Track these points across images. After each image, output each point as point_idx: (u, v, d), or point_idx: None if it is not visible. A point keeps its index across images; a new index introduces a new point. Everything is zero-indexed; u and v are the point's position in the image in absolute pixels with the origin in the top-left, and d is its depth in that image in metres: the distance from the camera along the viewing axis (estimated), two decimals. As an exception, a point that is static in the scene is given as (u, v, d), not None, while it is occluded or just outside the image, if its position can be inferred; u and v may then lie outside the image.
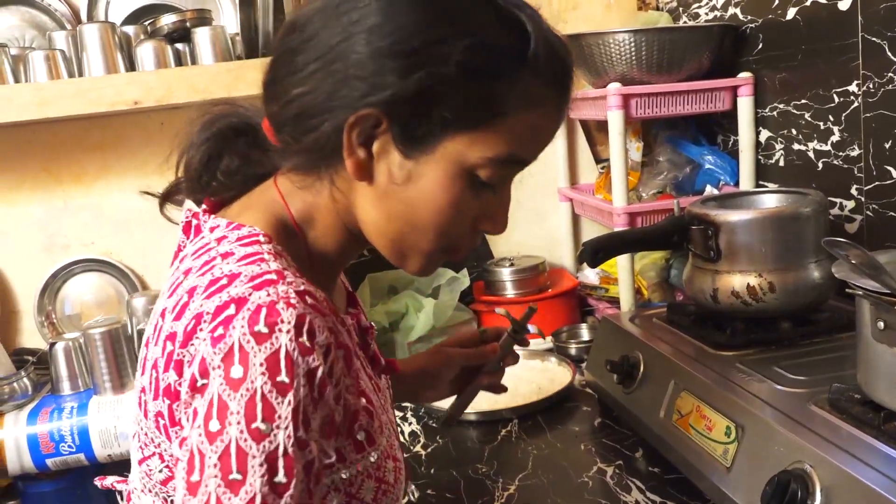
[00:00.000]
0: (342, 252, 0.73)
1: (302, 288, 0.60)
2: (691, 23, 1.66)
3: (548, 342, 1.59)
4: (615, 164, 1.44)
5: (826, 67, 1.27)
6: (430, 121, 0.63)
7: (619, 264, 1.49)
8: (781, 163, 1.43)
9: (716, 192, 1.52)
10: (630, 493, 1.02)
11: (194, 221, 0.72)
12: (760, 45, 1.45)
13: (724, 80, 1.47)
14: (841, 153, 1.27)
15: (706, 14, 1.62)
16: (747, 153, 1.49)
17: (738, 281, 1.10)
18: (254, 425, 0.54)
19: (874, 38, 1.16)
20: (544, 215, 1.85)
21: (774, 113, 1.44)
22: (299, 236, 0.70)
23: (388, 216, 0.67)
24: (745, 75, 1.47)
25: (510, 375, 1.46)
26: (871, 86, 1.18)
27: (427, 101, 0.62)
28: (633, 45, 1.41)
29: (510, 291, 1.67)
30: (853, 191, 1.24)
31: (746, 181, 1.50)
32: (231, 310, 0.57)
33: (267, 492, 0.54)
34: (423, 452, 1.21)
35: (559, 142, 1.78)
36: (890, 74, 1.13)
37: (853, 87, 1.22)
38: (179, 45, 1.57)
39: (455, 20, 0.62)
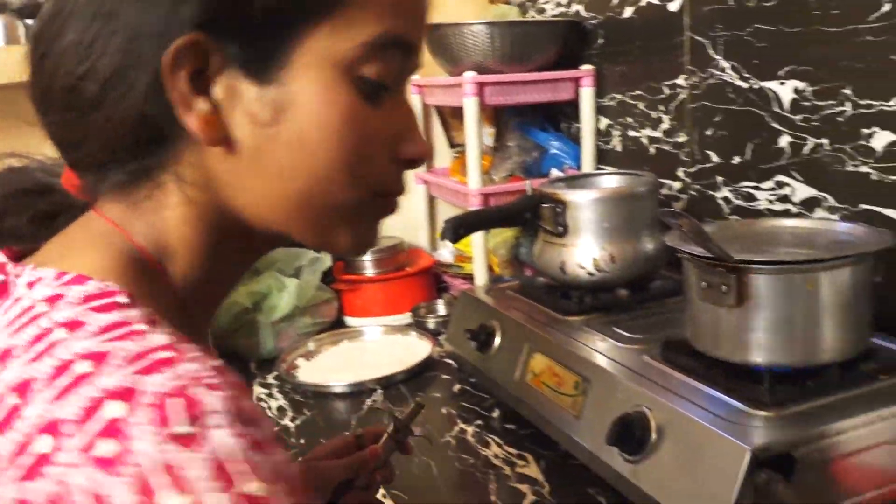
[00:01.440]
0: (224, 278, 0.55)
1: (209, 363, 0.41)
2: (538, 17, 1.77)
3: (407, 317, 1.66)
4: (470, 149, 1.53)
5: (658, 62, 1.41)
6: (268, 22, 0.46)
7: (474, 242, 1.58)
8: (619, 148, 1.57)
9: (561, 174, 1.64)
10: (489, 448, 1.11)
11: None
12: (601, 41, 1.58)
13: (568, 72, 1.59)
14: (670, 139, 1.41)
15: (552, 9, 1.74)
16: (588, 139, 1.62)
17: (583, 253, 1.21)
18: None
19: (699, 38, 1.30)
20: (401, 198, 1.91)
21: (613, 103, 1.57)
22: (160, 275, 0.50)
23: (276, 179, 0.49)
24: (586, 68, 1.59)
25: (371, 351, 1.54)
26: (695, 80, 1.32)
27: None
28: (488, 36, 1.50)
29: (370, 270, 1.72)
30: (679, 172, 1.39)
31: (588, 164, 1.63)
32: (116, 410, 0.37)
33: None
34: (291, 425, 1.25)
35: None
36: (711, 70, 1.28)
37: (680, 81, 1.36)
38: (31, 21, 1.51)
39: None
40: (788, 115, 1.10)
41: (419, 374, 1.40)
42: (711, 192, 1.30)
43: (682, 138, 1.38)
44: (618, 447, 0.88)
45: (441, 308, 1.69)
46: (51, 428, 0.37)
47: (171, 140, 0.48)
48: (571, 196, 1.21)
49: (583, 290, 1.22)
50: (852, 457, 0.80)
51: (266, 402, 1.35)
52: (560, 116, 1.76)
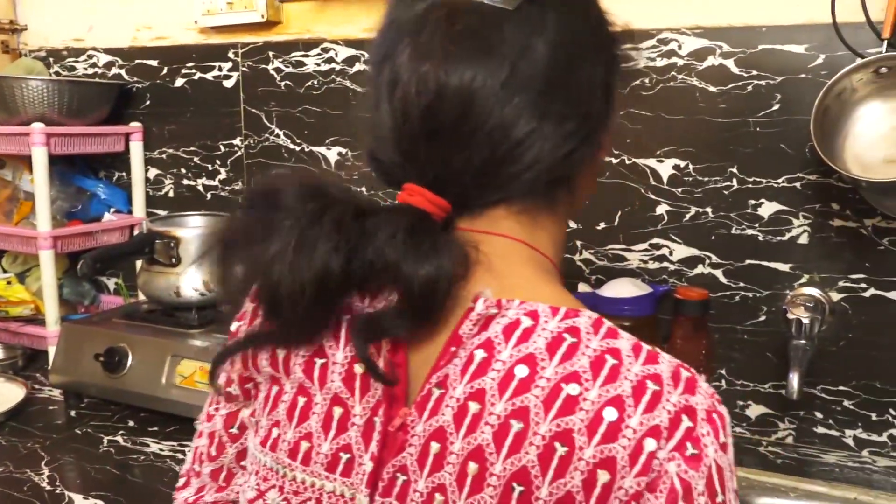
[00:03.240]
0: None
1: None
2: (66, 76, 1.92)
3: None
4: (40, 195, 1.63)
5: (214, 125, 1.76)
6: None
7: (46, 283, 1.67)
8: (171, 194, 1.85)
9: (113, 218, 1.84)
10: (148, 447, 1.32)
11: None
12: (148, 102, 1.84)
13: (119, 127, 1.81)
14: (227, 187, 1.77)
15: (85, 69, 1.91)
16: (139, 186, 1.86)
17: (194, 279, 1.49)
18: None
19: (253, 109, 1.70)
20: None
21: (164, 156, 1.85)
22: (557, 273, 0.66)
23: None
24: (135, 124, 1.83)
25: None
26: (251, 141, 1.72)
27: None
28: (55, 91, 1.64)
29: None
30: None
31: (139, 209, 1.86)
32: (688, 422, 0.52)
33: None
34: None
35: (-61, 172, 1.80)
36: (266, 135, 1.69)
37: (237, 141, 1.74)
38: None
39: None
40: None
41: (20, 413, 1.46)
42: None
43: (238, 186, 1.75)
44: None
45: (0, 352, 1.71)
46: (654, 432, 0.51)
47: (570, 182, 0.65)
48: (182, 233, 1.49)
49: (195, 308, 1.50)
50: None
51: None
52: (100, 166, 1.94)
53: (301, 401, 0.61)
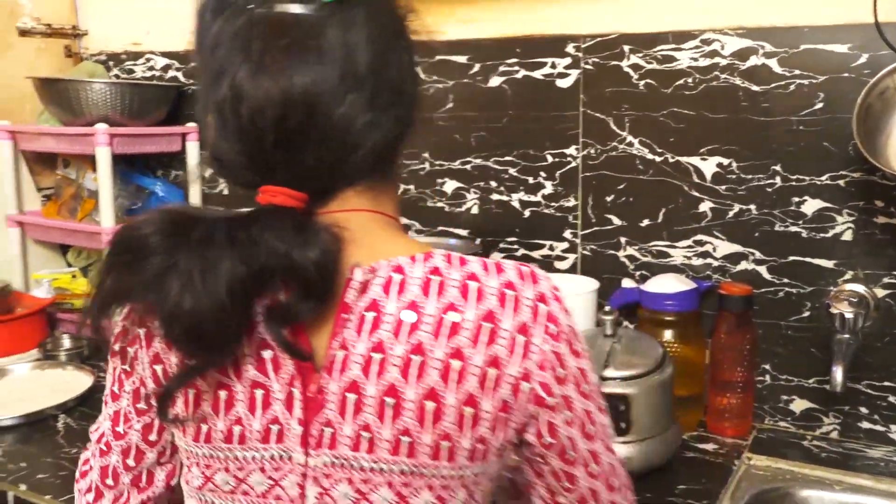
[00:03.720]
0: None
1: None
2: (126, 79, 2.00)
3: (34, 354, 1.73)
4: (104, 193, 1.71)
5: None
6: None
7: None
8: (226, 192, 1.92)
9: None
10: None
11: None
12: (204, 103, 1.91)
13: (177, 128, 1.88)
14: (279, 185, 1.83)
15: (143, 72, 1.99)
16: (196, 184, 1.93)
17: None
18: None
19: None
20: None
21: (218, 155, 1.91)
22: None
23: None
24: (191, 125, 1.91)
25: (21, 386, 1.59)
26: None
27: None
28: (117, 93, 1.71)
29: (-26, 315, 1.72)
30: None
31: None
32: (543, 308, 0.68)
33: None
34: (-7, 456, 1.31)
35: (7, 173, 1.89)
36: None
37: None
38: None
39: None
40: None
41: (87, 399, 1.53)
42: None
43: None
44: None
45: (67, 342, 1.79)
46: (523, 328, 0.66)
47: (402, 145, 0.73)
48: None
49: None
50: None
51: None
52: (157, 165, 2.02)
53: (223, 395, 0.69)
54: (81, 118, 1.73)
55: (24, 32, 1.97)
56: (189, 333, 0.62)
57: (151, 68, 1.98)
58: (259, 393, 0.68)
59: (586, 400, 0.70)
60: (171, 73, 1.95)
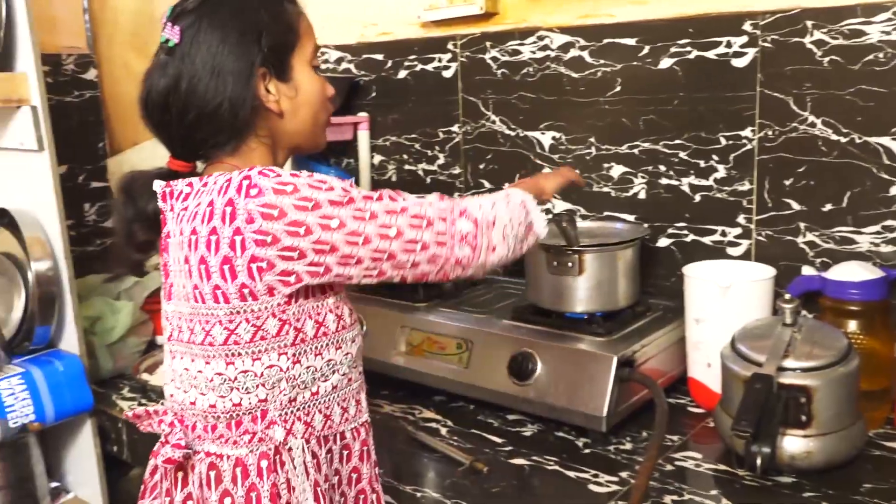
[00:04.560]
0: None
1: None
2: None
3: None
4: (284, 179, 1.82)
5: (433, 113, 1.87)
6: (282, 56, 0.97)
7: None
8: (394, 178, 1.99)
9: (342, 201, 2.01)
10: (382, 409, 1.45)
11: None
12: (374, 94, 1.99)
13: (349, 117, 1.97)
14: (446, 171, 1.88)
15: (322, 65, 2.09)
16: (365, 171, 2.02)
17: (419, 257, 1.61)
18: None
19: (471, 97, 1.80)
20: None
21: (387, 143, 1.99)
22: None
23: (300, 121, 1.00)
24: (363, 114, 1.99)
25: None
26: (468, 128, 1.81)
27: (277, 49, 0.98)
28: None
29: (173, 293, 1.88)
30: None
31: (365, 193, 2.02)
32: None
33: None
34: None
35: (199, 161, 2.05)
36: (482, 121, 1.78)
37: (455, 128, 1.84)
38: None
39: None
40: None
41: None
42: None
43: (457, 170, 1.86)
44: (514, 377, 1.31)
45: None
46: (230, 202, 0.88)
47: (252, 122, 0.96)
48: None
49: (419, 285, 1.62)
50: (650, 359, 1.34)
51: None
52: (330, 153, 2.12)
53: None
54: (264, 110, 1.85)
55: (212, 32, 2.12)
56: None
57: (326, 61, 2.08)
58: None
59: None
60: (343, 66, 2.05)
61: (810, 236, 1.40)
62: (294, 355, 0.93)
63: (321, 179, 0.89)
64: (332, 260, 0.88)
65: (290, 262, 0.87)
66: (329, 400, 0.98)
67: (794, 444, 1.11)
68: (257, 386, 0.92)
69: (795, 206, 1.41)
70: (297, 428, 0.95)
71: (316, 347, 0.95)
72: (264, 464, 0.93)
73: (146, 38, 2.02)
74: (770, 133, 1.42)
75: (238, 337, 0.91)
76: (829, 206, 1.37)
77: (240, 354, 0.91)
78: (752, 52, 1.42)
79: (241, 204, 0.86)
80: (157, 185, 0.96)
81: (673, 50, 1.51)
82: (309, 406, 0.96)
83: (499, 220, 0.97)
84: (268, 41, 0.95)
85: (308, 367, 0.94)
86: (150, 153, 2.11)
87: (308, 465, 0.95)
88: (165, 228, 0.96)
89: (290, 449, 0.94)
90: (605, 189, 1.63)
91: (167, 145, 0.99)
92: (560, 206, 1.72)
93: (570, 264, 1.36)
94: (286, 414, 0.94)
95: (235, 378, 0.92)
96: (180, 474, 0.98)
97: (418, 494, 1.14)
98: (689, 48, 1.49)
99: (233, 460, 0.94)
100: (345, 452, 1.01)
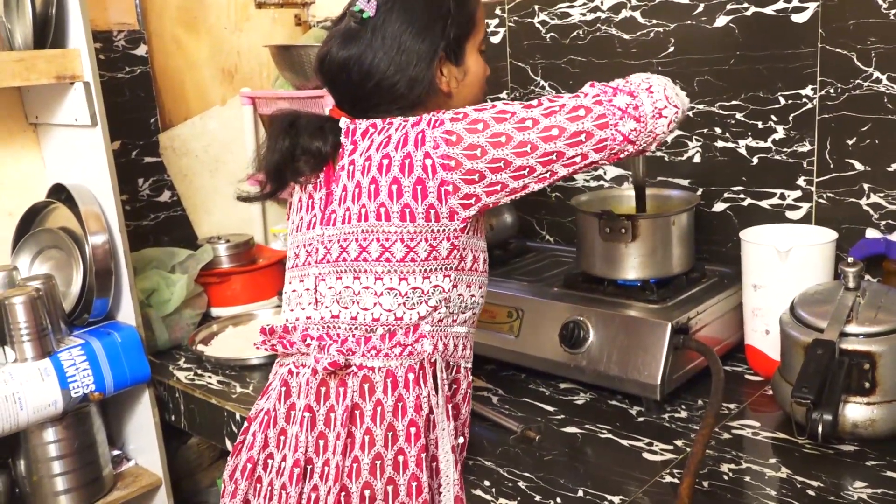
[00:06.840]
0: None
1: None
2: (351, 40, 2.10)
3: (274, 301, 1.89)
4: (332, 150, 1.82)
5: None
6: (459, 43, 1.05)
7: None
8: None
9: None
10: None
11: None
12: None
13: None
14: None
15: (365, 35, 2.08)
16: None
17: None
18: None
19: (519, 63, 1.76)
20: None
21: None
22: None
23: (464, 100, 1.07)
24: (410, 84, 1.97)
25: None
26: (517, 93, 1.78)
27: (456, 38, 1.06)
28: (343, 56, 1.81)
29: (226, 264, 1.91)
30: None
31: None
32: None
33: None
34: (249, 390, 1.44)
35: (249, 135, 2.06)
36: (531, 87, 1.75)
37: (503, 95, 1.81)
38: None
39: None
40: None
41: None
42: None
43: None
44: (566, 345, 1.29)
45: (302, 291, 1.93)
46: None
47: (424, 98, 1.04)
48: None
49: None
50: (705, 327, 1.31)
51: (204, 379, 1.52)
52: (378, 124, 2.11)
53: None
54: (312, 82, 1.84)
55: (260, 5, 2.13)
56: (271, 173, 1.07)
57: (372, 31, 2.06)
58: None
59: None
60: (390, 35, 2.03)
61: (875, 198, 1.34)
62: (454, 280, 1.01)
63: (486, 103, 0.99)
64: (506, 176, 0.96)
65: (472, 186, 0.96)
66: (459, 332, 1.05)
67: (856, 411, 1.07)
68: (421, 303, 1.00)
69: (859, 166, 1.35)
70: (439, 346, 1.01)
71: (468, 280, 1.03)
72: (411, 376, 0.99)
73: (195, 13, 2.03)
74: (832, 91, 1.36)
75: (416, 255, 0.98)
76: (894, 167, 1.32)
77: (413, 272, 0.99)
78: (812, 7, 1.36)
79: (429, 133, 0.96)
80: (343, 122, 1.05)
81: (729, 7, 1.45)
82: (448, 329, 1.03)
83: (656, 84, 1.01)
84: (452, 29, 1.03)
85: (460, 295, 1.02)
86: (200, 129, 2.14)
87: (442, 383, 1.01)
88: (341, 161, 1.03)
89: (434, 362, 1.00)
90: (659, 153, 1.59)
91: (336, 99, 1.08)
92: (612, 172, 1.68)
93: (622, 230, 1.33)
94: (434, 331, 1.01)
95: (406, 293, 0.99)
96: (322, 389, 1.02)
97: (470, 462, 1.13)
98: (746, 4, 1.43)
99: (384, 371, 0.99)
100: (454, 386, 1.06)
